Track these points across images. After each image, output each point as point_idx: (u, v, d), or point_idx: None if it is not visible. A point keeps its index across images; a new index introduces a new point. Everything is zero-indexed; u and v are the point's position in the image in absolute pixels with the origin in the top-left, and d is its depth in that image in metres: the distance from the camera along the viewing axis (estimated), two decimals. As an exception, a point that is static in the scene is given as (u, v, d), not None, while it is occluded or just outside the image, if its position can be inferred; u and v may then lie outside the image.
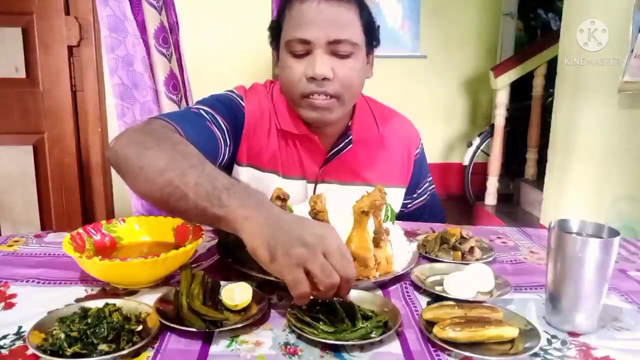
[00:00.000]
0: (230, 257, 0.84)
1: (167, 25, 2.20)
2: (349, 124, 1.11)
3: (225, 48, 2.69)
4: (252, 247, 0.65)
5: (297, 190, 1.07)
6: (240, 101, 1.07)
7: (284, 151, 1.09)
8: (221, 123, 1.01)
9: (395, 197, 1.17)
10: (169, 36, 2.23)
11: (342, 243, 0.65)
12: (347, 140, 1.09)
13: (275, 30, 1.05)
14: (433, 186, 1.27)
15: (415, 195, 1.22)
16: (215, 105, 1.03)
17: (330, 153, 1.10)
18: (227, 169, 1.07)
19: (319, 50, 0.97)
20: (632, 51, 2.04)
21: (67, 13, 2.22)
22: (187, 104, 2.30)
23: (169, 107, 2.23)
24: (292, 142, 1.08)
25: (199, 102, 1.04)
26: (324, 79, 0.97)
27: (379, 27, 1.07)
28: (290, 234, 0.63)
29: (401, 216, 1.20)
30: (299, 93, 1.00)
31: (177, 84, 2.27)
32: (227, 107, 1.04)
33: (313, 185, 1.10)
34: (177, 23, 2.25)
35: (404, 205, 1.22)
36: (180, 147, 0.78)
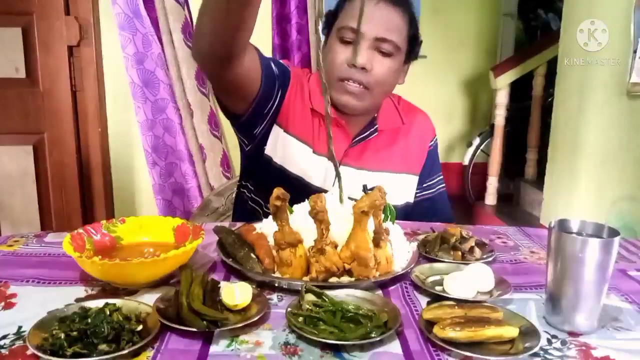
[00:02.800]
0: (230, 257, 0.84)
1: (190, 21, 2.21)
2: (375, 115, 1.19)
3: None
4: None
5: (322, 166, 1.15)
6: (287, 67, 1.16)
7: (316, 129, 1.16)
8: (274, 67, 1.11)
9: (410, 184, 1.23)
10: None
11: None
12: (372, 129, 1.17)
13: (332, 18, 1.14)
14: (444, 185, 1.30)
15: (424, 186, 1.26)
16: (270, 58, 1.12)
17: (356, 139, 1.17)
18: (270, 122, 1.13)
19: (365, 43, 1.06)
20: (635, 51, 2.04)
21: (67, 13, 2.22)
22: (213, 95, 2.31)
23: (200, 100, 2.26)
24: (322, 122, 1.16)
25: None
26: (363, 68, 1.06)
27: (421, 42, 1.16)
28: None
29: (410, 207, 1.23)
30: (337, 76, 1.09)
31: (205, 77, 2.29)
32: (278, 64, 1.13)
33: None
34: (191, 19, 2.25)
35: (414, 194, 1.25)
36: None
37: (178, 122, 2.24)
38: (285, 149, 1.14)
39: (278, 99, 1.12)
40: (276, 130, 1.14)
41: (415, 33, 1.14)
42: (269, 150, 1.14)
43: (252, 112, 1.09)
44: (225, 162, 2.40)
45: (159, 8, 2.12)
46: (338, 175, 0.88)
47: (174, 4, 2.13)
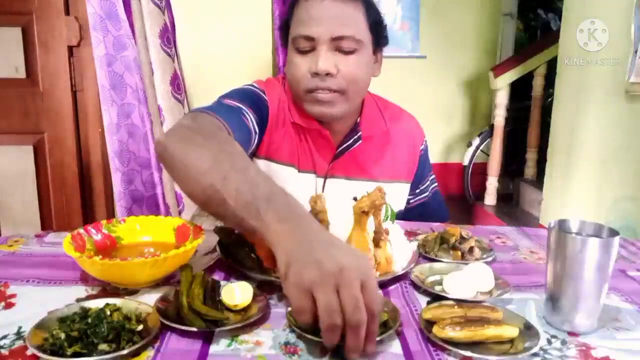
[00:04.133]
0: (230, 257, 0.84)
1: (169, 25, 2.19)
2: (358, 120, 1.13)
3: (225, 49, 2.69)
4: (277, 262, 0.62)
5: (309, 184, 1.10)
6: (264, 95, 1.09)
7: (299, 145, 1.11)
8: (252, 118, 1.02)
9: (401, 192, 1.20)
10: (172, 36, 2.21)
11: (368, 280, 0.57)
12: (356, 137, 1.12)
13: (285, 29, 1.07)
14: (436, 184, 1.28)
15: (417, 191, 1.24)
16: (245, 100, 1.04)
17: (340, 149, 1.12)
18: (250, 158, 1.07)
19: (323, 47, 0.99)
20: (636, 52, 2.04)
21: (67, 13, 2.22)
22: (188, 102, 2.28)
23: (174, 106, 2.22)
24: (304, 136, 1.11)
25: (227, 96, 1.04)
26: (327, 74, 0.99)
27: (386, 26, 1.08)
28: (311, 254, 0.57)
29: (404, 212, 1.21)
30: (303, 88, 1.02)
31: (180, 83, 2.26)
32: (254, 102, 1.06)
33: (322, 179, 1.12)
34: (174, 23, 2.23)
35: (407, 201, 1.23)
36: (226, 147, 0.77)
37: (147, 128, 2.19)
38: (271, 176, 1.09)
39: (256, 142, 1.05)
40: (257, 162, 1.09)
41: (377, 18, 1.04)
42: None
43: None
44: None
45: (135, 10, 2.08)
46: None
47: (153, 7, 2.09)
